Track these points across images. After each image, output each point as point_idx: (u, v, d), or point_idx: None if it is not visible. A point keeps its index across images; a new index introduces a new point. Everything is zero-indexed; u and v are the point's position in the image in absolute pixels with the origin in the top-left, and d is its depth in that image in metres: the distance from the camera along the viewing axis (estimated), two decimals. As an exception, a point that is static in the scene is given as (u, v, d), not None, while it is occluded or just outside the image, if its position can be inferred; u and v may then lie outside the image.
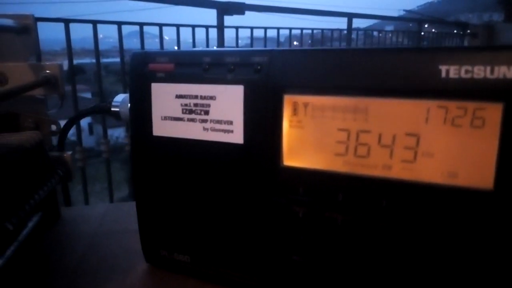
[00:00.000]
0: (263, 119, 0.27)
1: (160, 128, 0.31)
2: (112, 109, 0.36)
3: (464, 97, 0.22)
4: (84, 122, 7.47)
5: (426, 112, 0.23)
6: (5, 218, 0.30)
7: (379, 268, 0.26)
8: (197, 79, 0.29)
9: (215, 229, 0.31)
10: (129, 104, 0.32)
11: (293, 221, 0.28)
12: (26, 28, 0.41)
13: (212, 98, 0.29)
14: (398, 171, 0.24)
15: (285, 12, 2.97)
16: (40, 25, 1.45)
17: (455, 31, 5.03)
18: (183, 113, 0.30)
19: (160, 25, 2.13)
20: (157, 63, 0.30)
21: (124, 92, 0.41)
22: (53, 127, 0.43)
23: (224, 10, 2.41)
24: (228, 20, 2.51)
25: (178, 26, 2.12)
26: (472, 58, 0.22)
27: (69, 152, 0.43)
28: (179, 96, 0.30)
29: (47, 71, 0.40)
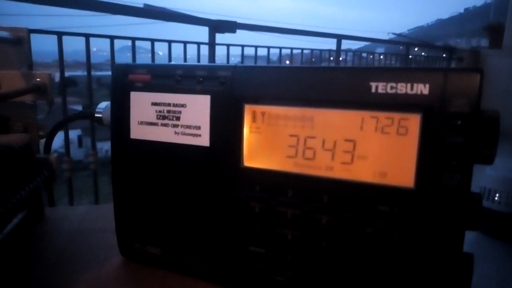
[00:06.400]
0: (226, 125, 0.31)
1: (137, 132, 0.34)
2: (96, 115, 0.40)
3: (391, 109, 0.26)
4: (74, 134, 7.42)
5: (361, 121, 0.27)
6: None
7: (324, 252, 0.29)
8: (171, 89, 0.33)
9: (183, 223, 0.34)
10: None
11: (250, 215, 0.31)
12: (19, 40, 0.44)
13: (183, 106, 0.32)
14: (338, 172, 0.28)
15: (276, 32, 3.04)
16: (33, 37, 1.48)
17: (443, 55, 5.14)
18: (157, 118, 0.33)
19: (152, 40, 2.17)
20: (136, 74, 0.34)
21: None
22: (41, 132, 0.46)
23: (215, 28, 2.46)
24: (220, 37, 2.55)
25: (170, 42, 2.16)
26: (396, 76, 0.26)
27: (54, 155, 0.46)
28: (154, 104, 0.33)
29: (38, 79, 0.44)
